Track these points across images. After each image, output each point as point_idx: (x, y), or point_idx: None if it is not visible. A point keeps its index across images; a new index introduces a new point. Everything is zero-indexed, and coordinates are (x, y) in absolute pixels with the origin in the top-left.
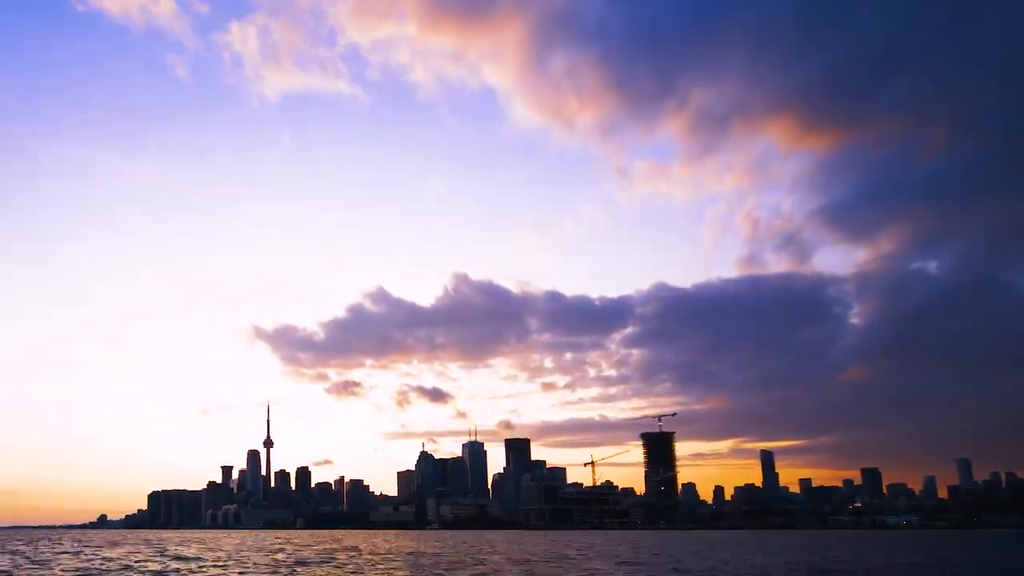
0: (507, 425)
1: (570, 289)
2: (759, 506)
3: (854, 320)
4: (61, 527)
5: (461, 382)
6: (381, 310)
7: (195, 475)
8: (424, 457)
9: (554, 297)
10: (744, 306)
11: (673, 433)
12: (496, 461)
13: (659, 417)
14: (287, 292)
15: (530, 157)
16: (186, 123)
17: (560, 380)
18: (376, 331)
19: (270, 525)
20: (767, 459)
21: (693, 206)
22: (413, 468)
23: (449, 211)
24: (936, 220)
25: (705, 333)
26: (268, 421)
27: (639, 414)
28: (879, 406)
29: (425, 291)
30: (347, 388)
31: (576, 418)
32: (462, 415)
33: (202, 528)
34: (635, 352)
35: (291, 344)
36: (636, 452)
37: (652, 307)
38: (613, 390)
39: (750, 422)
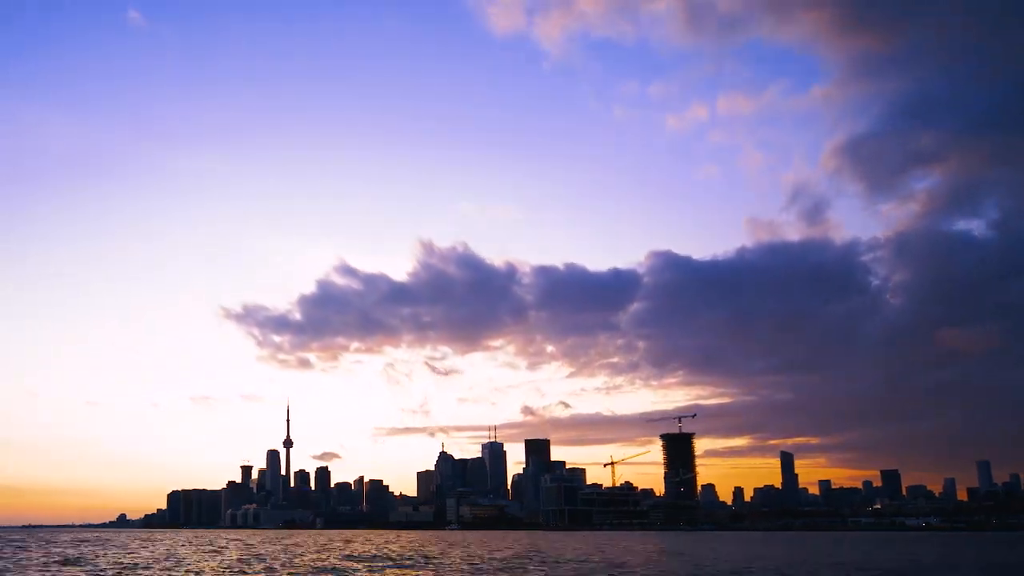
0: (528, 411)
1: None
2: (778, 507)
3: (886, 295)
4: (80, 526)
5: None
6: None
7: (214, 475)
8: (443, 457)
9: (545, 271)
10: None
11: (693, 434)
12: (514, 455)
13: (679, 417)
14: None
15: None
16: None
17: (563, 368)
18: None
19: (289, 525)
20: (787, 460)
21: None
22: (432, 468)
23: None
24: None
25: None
26: (288, 421)
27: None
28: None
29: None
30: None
31: (583, 414)
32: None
33: (221, 528)
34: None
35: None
36: (655, 452)
37: (658, 280)
38: (620, 379)
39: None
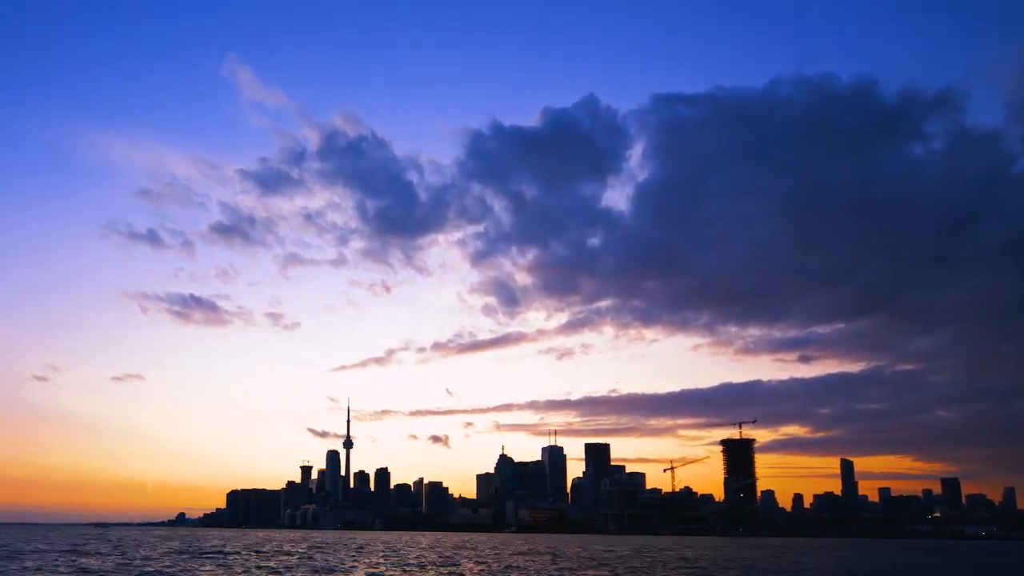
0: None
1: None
2: (838, 514)
3: None
4: (139, 524)
5: None
6: None
7: (274, 474)
8: (503, 460)
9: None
10: None
11: (753, 440)
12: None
13: (739, 423)
14: None
15: None
16: None
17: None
18: None
19: (349, 526)
20: (847, 468)
21: None
22: (492, 471)
23: None
24: None
25: None
26: (348, 421)
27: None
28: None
29: None
30: None
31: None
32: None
33: (280, 528)
34: None
35: None
36: (715, 459)
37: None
38: None
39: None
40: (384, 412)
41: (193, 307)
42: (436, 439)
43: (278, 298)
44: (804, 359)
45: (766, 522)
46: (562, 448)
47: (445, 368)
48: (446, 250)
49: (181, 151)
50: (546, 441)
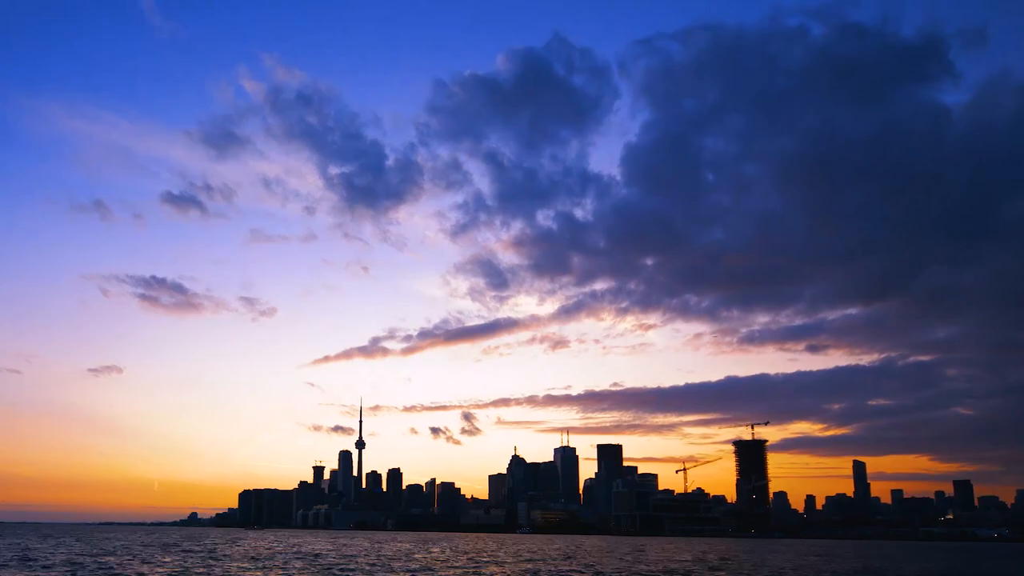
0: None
1: None
2: (850, 516)
3: None
4: (151, 524)
5: None
6: None
7: (287, 475)
8: (515, 461)
9: None
10: None
11: (765, 441)
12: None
13: (751, 425)
14: None
15: None
16: None
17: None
18: None
19: (361, 526)
20: (859, 469)
21: None
22: (504, 472)
23: None
24: None
25: None
26: (360, 422)
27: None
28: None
29: None
30: None
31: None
32: None
33: (292, 528)
34: None
35: None
36: (727, 459)
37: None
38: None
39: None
40: (377, 408)
41: (158, 289)
42: (436, 431)
43: (248, 280)
44: (812, 349)
45: (779, 524)
46: (575, 449)
47: (434, 359)
48: (423, 223)
49: (118, 113)
50: (549, 438)
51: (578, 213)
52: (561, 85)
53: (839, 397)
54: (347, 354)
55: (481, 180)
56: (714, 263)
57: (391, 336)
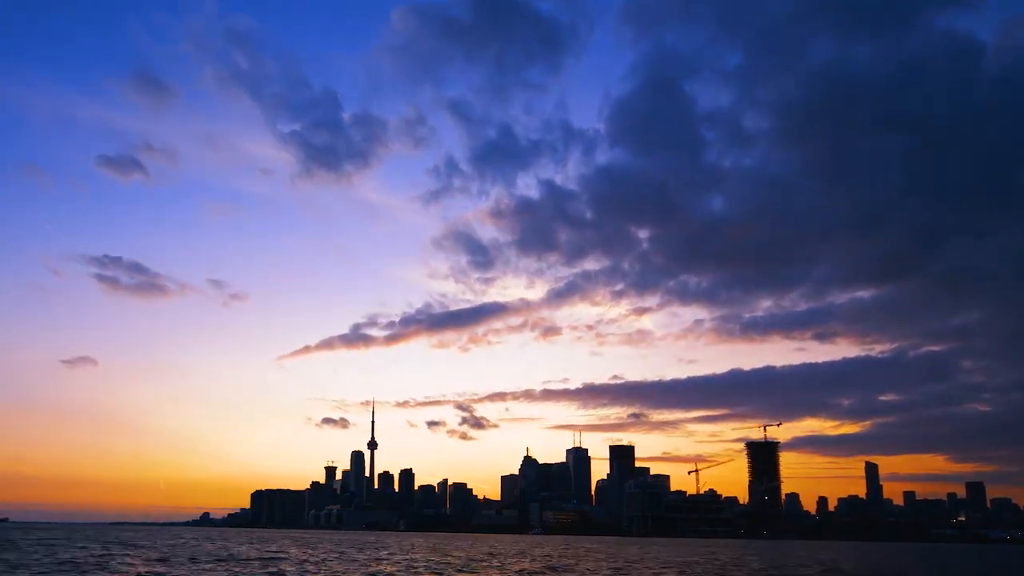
0: None
1: None
2: (863, 517)
3: None
4: (163, 524)
5: None
6: None
7: (298, 475)
8: (527, 462)
9: None
10: None
11: (778, 443)
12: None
13: (764, 426)
14: None
15: None
16: None
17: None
18: None
19: (373, 527)
20: (871, 471)
21: None
22: (516, 472)
23: None
24: None
25: None
26: (372, 422)
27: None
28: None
29: None
30: None
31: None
32: None
33: (304, 528)
34: None
35: None
36: (740, 460)
37: None
38: None
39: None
40: (368, 403)
41: (114, 269)
42: (434, 424)
43: (212, 259)
44: (820, 337)
45: (791, 526)
46: (587, 450)
47: (420, 348)
48: (391, 190)
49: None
50: (552, 435)
51: (560, 179)
52: (527, 11)
53: (848, 392)
54: (328, 343)
55: (451, 138)
56: (713, 235)
57: (372, 323)
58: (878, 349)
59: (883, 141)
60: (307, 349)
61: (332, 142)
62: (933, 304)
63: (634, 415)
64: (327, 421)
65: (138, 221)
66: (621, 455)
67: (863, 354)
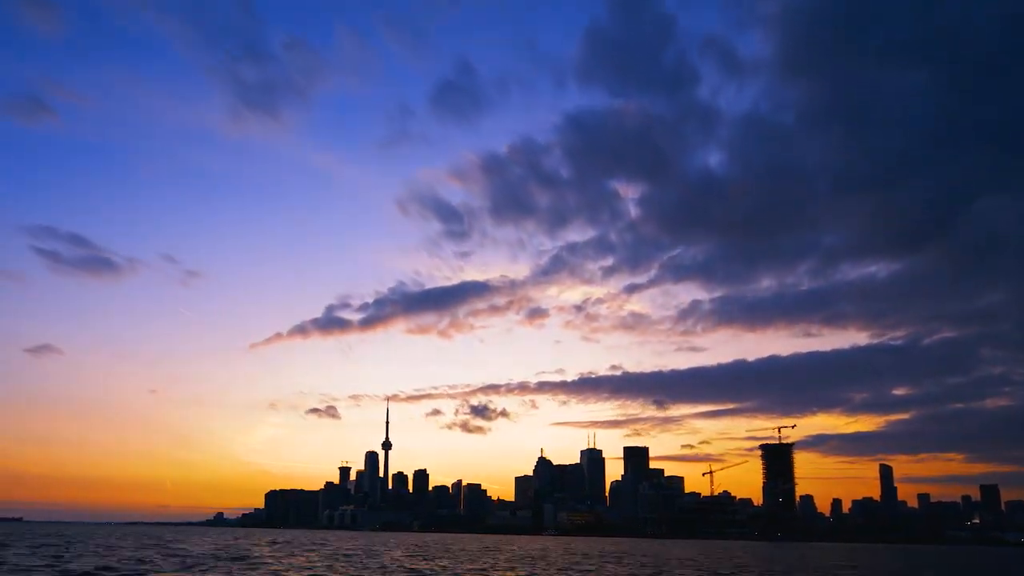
0: None
1: None
2: (877, 520)
3: None
4: (177, 524)
5: None
6: None
7: (313, 475)
8: (542, 463)
9: None
10: None
11: (792, 445)
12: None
13: (778, 428)
14: None
15: None
16: None
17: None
18: None
19: (387, 527)
20: (886, 472)
21: None
22: (531, 473)
23: None
24: None
25: None
26: (387, 422)
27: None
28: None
29: None
30: None
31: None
32: None
33: (318, 529)
34: None
35: None
36: (754, 461)
37: None
38: None
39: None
40: (356, 396)
41: (53, 242)
42: (434, 412)
43: (156, 227)
44: (828, 321)
45: (805, 528)
46: (601, 452)
47: (398, 334)
48: (335, 135)
49: None
50: (556, 432)
51: (530, 127)
52: None
53: (860, 385)
54: (301, 330)
55: (396, 60)
56: (711, 196)
57: (346, 304)
58: (890, 336)
59: (908, 75)
60: (279, 336)
61: (261, 73)
62: (953, 281)
63: (637, 418)
64: (313, 411)
65: (65, 183)
66: (635, 456)
67: (875, 341)
